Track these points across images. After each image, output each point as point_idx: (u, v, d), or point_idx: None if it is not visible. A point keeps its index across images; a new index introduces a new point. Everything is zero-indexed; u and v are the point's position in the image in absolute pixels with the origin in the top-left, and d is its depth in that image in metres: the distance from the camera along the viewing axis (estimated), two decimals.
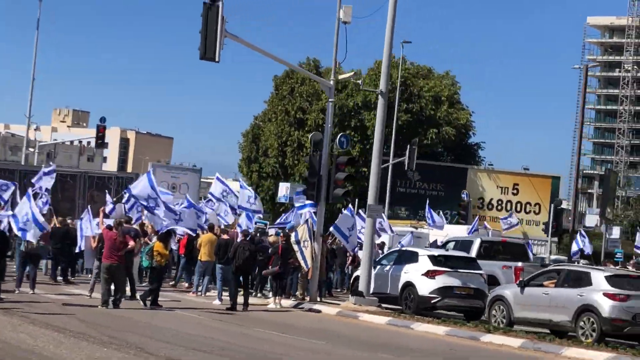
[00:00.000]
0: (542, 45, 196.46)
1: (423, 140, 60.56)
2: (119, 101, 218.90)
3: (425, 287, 23.02)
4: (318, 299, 23.54)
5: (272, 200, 60.73)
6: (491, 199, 60.75)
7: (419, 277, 23.22)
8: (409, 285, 23.41)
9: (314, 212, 25.41)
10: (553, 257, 42.80)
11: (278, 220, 33.26)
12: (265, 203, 58.65)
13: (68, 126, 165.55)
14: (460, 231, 35.02)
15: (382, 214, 32.07)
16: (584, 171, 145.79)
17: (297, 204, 26.99)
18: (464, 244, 27.60)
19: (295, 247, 23.12)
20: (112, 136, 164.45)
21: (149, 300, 19.57)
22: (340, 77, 26.51)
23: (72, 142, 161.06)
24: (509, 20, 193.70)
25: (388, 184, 53.45)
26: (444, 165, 61.68)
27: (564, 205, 67.43)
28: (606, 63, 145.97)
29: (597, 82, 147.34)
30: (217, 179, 30.56)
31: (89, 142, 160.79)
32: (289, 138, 61.93)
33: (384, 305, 23.80)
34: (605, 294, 19.01)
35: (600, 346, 17.46)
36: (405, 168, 50.86)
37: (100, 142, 49.38)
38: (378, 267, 25.02)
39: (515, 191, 60.63)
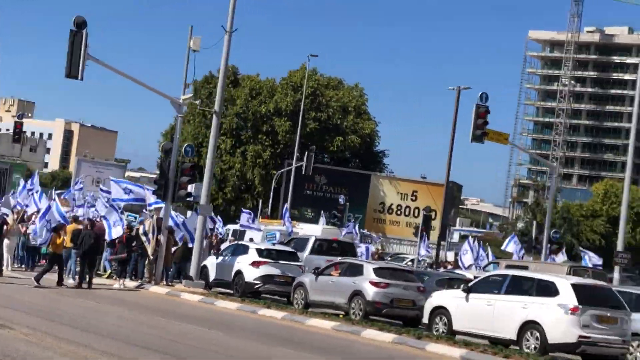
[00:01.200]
0: (485, 56, 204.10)
1: (329, 147, 65.96)
2: (66, 94, 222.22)
3: (251, 274, 28.06)
4: (163, 282, 28.39)
5: None
6: (391, 204, 66.21)
7: (247, 266, 28.25)
8: (239, 273, 28.44)
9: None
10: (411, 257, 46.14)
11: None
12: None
13: (13, 116, 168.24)
14: (314, 230, 39.90)
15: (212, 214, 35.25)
16: (520, 181, 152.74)
17: (149, 201, 31.55)
18: (302, 241, 32.76)
19: (143, 238, 28.03)
20: (57, 128, 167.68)
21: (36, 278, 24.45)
22: (183, 97, 31.23)
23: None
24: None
25: (290, 187, 58.52)
26: (348, 170, 67.01)
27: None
28: (545, 76, 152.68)
29: (536, 94, 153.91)
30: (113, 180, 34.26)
31: (32, 133, 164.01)
32: (205, 140, 66.69)
33: (221, 289, 28.73)
34: (371, 282, 24.23)
35: (454, 343, 19.11)
36: (303, 172, 55.88)
37: (18, 138, 53.57)
38: (220, 257, 30.01)
39: (414, 197, 66.11)
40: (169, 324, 19.04)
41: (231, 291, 28.37)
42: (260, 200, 62.30)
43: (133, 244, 27.66)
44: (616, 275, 32.29)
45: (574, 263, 32.57)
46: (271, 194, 59.77)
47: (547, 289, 19.66)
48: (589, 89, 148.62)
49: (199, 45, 29.57)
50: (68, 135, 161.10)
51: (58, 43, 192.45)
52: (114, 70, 28.47)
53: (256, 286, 27.99)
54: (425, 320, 21.81)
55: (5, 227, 27.17)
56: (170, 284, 28.68)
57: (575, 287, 19.41)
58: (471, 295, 20.87)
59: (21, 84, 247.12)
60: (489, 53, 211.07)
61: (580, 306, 18.90)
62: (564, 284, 19.58)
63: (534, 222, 46.46)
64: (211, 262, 30.04)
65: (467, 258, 36.66)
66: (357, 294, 24.39)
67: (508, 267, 29.28)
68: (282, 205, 57.76)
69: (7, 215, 29.82)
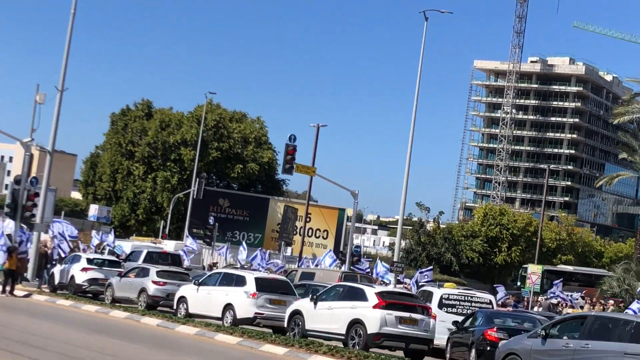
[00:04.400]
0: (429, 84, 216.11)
1: (231, 174, 75.30)
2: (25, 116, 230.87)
3: (80, 278, 37.04)
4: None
5: None
6: (295, 225, 75.27)
7: (78, 271, 37.24)
8: (72, 277, 37.44)
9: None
10: None
11: None
12: None
13: None
14: (171, 246, 49.23)
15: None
16: (466, 204, 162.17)
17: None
18: (138, 253, 41.92)
19: None
20: (18, 151, 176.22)
21: None
22: (25, 140, 40.23)
23: None
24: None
25: (189, 209, 67.60)
26: (250, 195, 76.21)
27: None
28: (490, 104, 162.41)
29: (482, 121, 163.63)
30: None
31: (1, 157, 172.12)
32: (120, 166, 76.07)
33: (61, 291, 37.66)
34: (153, 281, 33.22)
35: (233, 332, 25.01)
36: (194, 197, 64.85)
37: None
38: (64, 265, 38.99)
39: (308, 219, 75.22)
40: None
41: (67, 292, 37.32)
42: (168, 221, 71.36)
43: None
44: (393, 280, 41.30)
45: (346, 270, 41.40)
46: (167, 216, 68.77)
47: (240, 281, 28.72)
48: (531, 117, 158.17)
49: (44, 99, 38.82)
50: (28, 159, 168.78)
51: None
52: None
53: (83, 287, 36.94)
54: None
55: None
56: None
57: (256, 279, 28.48)
58: (200, 287, 29.90)
59: None
60: (436, 80, 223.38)
61: (257, 292, 27.92)
62: (250, 277, 28.67)
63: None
64: (57, 269, 38.97)
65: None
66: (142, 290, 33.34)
67: (303, 274, 38.66)
68: (187, 225, 67.06)
69: None
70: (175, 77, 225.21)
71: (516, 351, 17.24)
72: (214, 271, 34.76)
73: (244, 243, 56.64)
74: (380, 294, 24.38)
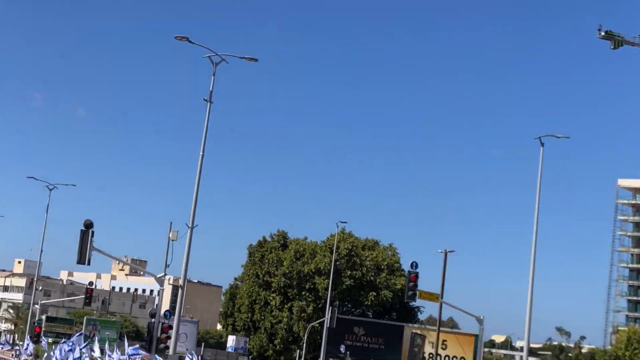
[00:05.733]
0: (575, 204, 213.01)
1: (365, 301, 76.50)
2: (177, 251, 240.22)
3: None
4: None
5: None
6: (424, 352, 75.32)
7: None
8: None
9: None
10: None
11: None
12: None
13: (126, 274, 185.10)
14: None
15: None
16: (619, 327, 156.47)
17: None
18: None
19: None
20: (168, 284, 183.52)
21: None
22: (158, 275, 42.75)
23: (128, 289, 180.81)
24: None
25: (324, 338, 68.85)
26: (384, 322, 76.89)
27: None
28: (637, 223, 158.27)
29: (630, 241, 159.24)
30: None
31: (143, 290, 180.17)
32: (257, 297, 78.56)
33: None
34: None
35: None
36: (327, 326, 66.19)
37: (88, 302, 66.48)
38: None
39: (444, 346, 75.07)
40: None
41: None
42: (304, 351, 72.78)
43: None
44: None
45: None
46: (303, 345, 70.12)
47: None
48: None
49: (177, 236, 41.56)
50: (176, 290, 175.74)
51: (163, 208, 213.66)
52: (111, 256, 40.69)
53: None
54: None
55: None
56: None
57: None
58: None
59: (135, 243, 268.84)
60: (580, 201, 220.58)
61: None
62: None
63: None
64: None
65: None
66: None
67: None
68: (322, 354, 68.33)
69: None
70: (308, 208, 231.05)
71: None
72: None
73: None
74: None
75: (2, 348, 46.11)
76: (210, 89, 39.84)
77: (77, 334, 51.25)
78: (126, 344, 44.78)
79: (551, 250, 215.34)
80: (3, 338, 48.06)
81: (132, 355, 41.56)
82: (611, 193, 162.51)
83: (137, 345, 43.09)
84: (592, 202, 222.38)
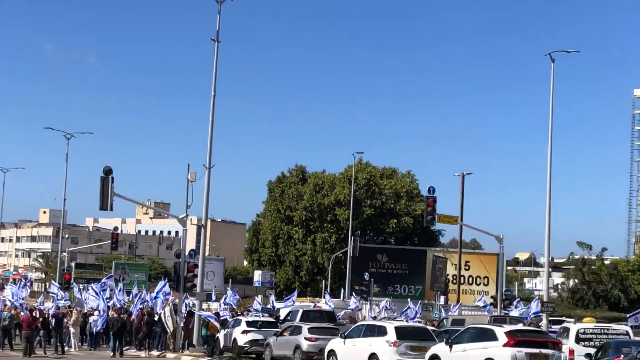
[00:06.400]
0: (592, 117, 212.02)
1: (386, 229, 77.27)
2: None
3: (241, 340, 39.71)
4: (180, 352, 40.34)
5: None
6: (447, 274, 76.24)
7: (239, 334, 39.92)
8: (234, 340, 40.17)
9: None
10: None
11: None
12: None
13: (150, 218, 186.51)
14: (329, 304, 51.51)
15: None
16: None
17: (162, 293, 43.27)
18: (294, 313, 44.32)
19: (163, 319, 40.27)
20: (191, 225, 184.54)
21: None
22: (180, 216, 43.41)
23: (154, 232, 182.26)
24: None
25: (348, 267, 69.85)
26: (406, 248, 77.81)
27: None
28: None
29: None
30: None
31: (169, 232, 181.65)
32: (280, 232, 79.56)
33: (227, 353, 40.42)
34: (305, 338, 35.38)
35: None
36: (350, 255, 67.11)
37: (114, 246, 67.67)
38: (226, 329, 41.84)
39: (467, 267, 75.98)
40: None
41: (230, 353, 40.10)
42: (329, 281, 73.93)
43: (153, 325, 40.04)
44: (544, 321, 41.86)
45: (496, 314, 42.25)
46: (328, 276, 71.23)
47: (382, 331, 30.50)
48: None
49: (195, 177, 42.13)
50: (199, 231, 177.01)
51: (182, 151, 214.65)
52: (133, 201, 41.35)
53: (245, 348, 39.59)
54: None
55: (65, 319, 40.07)
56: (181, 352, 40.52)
57: (396, 328, 30.17)
58: (346, 340, 31.86)
59: (156, 187, 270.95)
60: (596, 114, 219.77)
61: (398, 341, 29.61)
62: (390, 327, 30.39)
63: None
64: (220, 333, 41.80)
65: None
66: (297, 347, 35.55)
67: (454, 321, 40.09)
68: (348, 283, 69.31)
69: (76, 309, 42.76)
70: (325, 140, 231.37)
71: None
72: (357, 324, 36.61)
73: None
74: (509, 333, 25.56)
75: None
76: (217, 28, 40.06)
77: (108, 276, 52.18)
78: (161, 283, 44.96)
79: (569, 165, 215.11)
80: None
81: (167, 294, 42.35)
82: (627, 104, 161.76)
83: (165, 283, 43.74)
84: (608, 115, 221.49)
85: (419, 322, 42.84)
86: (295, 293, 54.74)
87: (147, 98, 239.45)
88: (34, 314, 40.68)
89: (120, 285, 52.64)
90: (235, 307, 50.43)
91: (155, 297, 43.11)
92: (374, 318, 47.69)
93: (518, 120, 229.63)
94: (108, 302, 43.74)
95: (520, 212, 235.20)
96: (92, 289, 44.84)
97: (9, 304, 42.43)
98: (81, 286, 51.13)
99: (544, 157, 41.23)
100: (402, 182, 79.00)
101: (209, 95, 41.40)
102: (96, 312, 43.41)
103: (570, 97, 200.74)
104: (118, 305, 43.80)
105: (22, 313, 39.15)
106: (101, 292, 45.65)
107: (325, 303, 53.17)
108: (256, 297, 53.21)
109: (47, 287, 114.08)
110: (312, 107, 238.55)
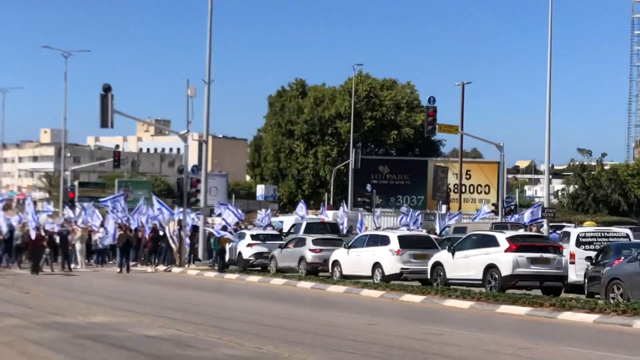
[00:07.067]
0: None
1: (387, 141, 77.26)
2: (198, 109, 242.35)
3: (247, 253, 40.11)
4: (186, 266, 40.76)
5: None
6: (449, 184, 76.53)
7: (244, 247, 40.31)
8: (239, 253, 40.57)
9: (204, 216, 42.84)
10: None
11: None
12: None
13: (151, 135, 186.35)
14: (330, 216, 51.78)
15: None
16: None
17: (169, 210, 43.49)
18: (298, 226, 44.70)
19: (168, 235, 40.65)
20: (192, 142, 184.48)
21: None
22: (181, 132, 43.39)
23: (155, 149, 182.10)
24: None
25: (350, 179, 70.08)
26: (408, 159, 77.94)
27: None
28: None
29: None
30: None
31: (170, 149, 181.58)
32: (282, 146, 79.62)
33: (232, 267, 40.89)
34: (310, 249, 35.74)
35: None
36: (352, 167, 67.22)
37: (117, 164, 67.63)
38: (232, 243, 42.21)
39: (468, 176, 76.17)
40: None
41: (235, 266, 40.55)
42: (332, 193, 74.29)
43: (158, 240, 40.43)
44: (545, 226, 42.15)
45: (496, 221, 42.57)
46: (330, 188, 71.51)
47: (385, 240, 30.81)
48: None
49: (195, 93, 42.02)
50: (200, 146, 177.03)
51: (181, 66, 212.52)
52: (133, 118, 41.33)
53: (251, 261, 40.01)
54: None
55: (70, 236, 40.39)
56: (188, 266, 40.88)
57: (399, 237, 30.47)
58: (350, 250, 32.15)
59: (156, 104, 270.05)
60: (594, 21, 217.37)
61: (401, 249, 29.92)
62: (393, 236, 30.68)
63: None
64: (226, 247, 42.18)
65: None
66: (302, 258, 35.84)
67: (455, 228, 40.42)
68: (350, 195, 69.57)
69: (81, 226, 43.08)
70: (324, 53, 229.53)
71: (618, 276, 18.46)
72: (360, 234, 36.94)
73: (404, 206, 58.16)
74: (511, 239, 25.83)
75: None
76: None
77: (120, 194, 51.89)
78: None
79: (569, 73, 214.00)
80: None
81: (172, 214, 42.34)
82: (626, 8, 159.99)
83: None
84: (607, 21, 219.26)
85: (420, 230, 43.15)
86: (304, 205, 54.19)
87: (144, 13, 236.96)
88: (40, 232, 40.99)
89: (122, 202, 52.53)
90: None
91: (159, 213, 43.20)
92: (378, 228, 48.01)
93: (517, 26, 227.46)
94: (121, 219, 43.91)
95: (521, 120, 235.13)
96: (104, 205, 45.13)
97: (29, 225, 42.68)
98: (84, 204, 51.25)
99: (544, 63, 40.97)
100: (402, 93, 78.70)
101: (206, 8, 41.02)
102: (101, 229, 43.81)
103: (570, 3, 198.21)
104: (125, 222, 44.04)
105: (32, 232, 39.38)
106: (111, 211, 45.79)
107: (322, 214, 53.26)
108: (259, 211, 53.39)
109: (53, 206, 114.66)
110: (311, 18, 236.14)
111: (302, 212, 50.32)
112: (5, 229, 40.44)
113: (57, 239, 39.73)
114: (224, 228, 40.38)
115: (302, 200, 55.84)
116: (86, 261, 42.14)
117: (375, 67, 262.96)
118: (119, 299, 24.61)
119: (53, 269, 38.44)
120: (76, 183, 77.00)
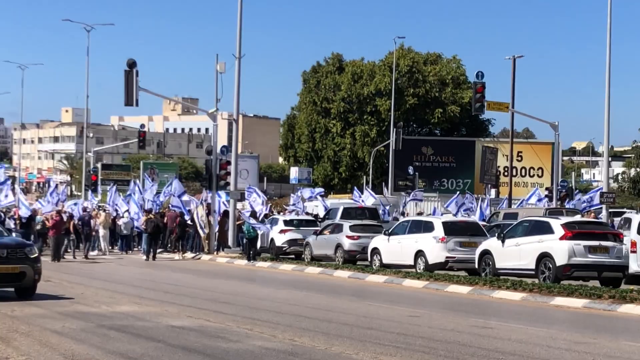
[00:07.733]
0: None
1: (431, 120, 76.91)
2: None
3: (279, 240, 40.18)
4: (215, 253, 40.94)
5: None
6: (498, 166, 76.10)
7: (277, 234, 40.39)
8: (272, 240, 40.67)
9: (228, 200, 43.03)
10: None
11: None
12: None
13: (178, 114, 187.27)
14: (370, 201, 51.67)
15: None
16: None
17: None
18: (335, 210, 44.65)
19: (196, 221, 40.80)
20: (222, 121, 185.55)
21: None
22: (210, 111, 43.44)
23: (183, 130, 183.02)
24: None
25: (391, 161, 69.90)
26: (453, 139, 77.56)
27: None
28: None
29: None
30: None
31: (198, 129, 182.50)
32: (317, 125, 79.58)
33: (264, 254, 41.01)
34: (347, 236, 35.70)
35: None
36: (393, 148, 67.00)
37: (142, 145, 67.87)
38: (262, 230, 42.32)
39: (519, 158, 75.67)
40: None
41: (267, 254, 40.65)
42: (371, 176, 74.17)
43: (186, 227, 40.61)
44: (604, 212, 41.81)
45: (551, 206, 42.25)
46: (369, 171, 71.40)
47: (428, 227, 30.69)
48: None
49: (224, 68, 42.01)
50: (230, 126, 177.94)
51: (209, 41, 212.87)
52: (160, 95, 41.40)
53: (284, 248, 40.09)
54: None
55: (92, 221, 40.68)
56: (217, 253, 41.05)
57: (444, 224, 30.33)
58: (390, 237, 32.07)
59: (183, 82, 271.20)
60: None
61: (446, 237, 29.79)
62: (438, 222, 30.55)
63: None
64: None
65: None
66: (339, 246, 35.85)
67: (505, 214, 40.24)
68: (391, 178, 69.44)
69: (105, 211, 43.47)
70: (362, 26, 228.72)
71: None
72: (402, 220, 36.82)
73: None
74: (566, 225, 25.54)
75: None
76: None
77: (174, 177, 52.39)
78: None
79: (630, 47, 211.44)
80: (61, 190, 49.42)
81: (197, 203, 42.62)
82: None
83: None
84: None
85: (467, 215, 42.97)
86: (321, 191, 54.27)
87: None
88: (62, 216, 41.39)
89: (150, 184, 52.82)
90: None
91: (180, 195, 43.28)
92: (420, 214, 47.89)
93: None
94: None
95: (577, 98, 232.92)
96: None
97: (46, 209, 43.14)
98: (108, 188, 51.69)
99: (602, 37, 40.40)
100: (447, 68, 78.16)
101: None
102: (126, 214, 44.12)
103: None
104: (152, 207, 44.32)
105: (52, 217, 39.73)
106: (134, 195, 46.10)
107: (354, 199, 53.03)
108: (292, 194, 53.41)
109: (75, 189, 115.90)
110: None
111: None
112: (25, 212, 40.92)
113: (79, 224, 40.07)
114: (253, 214, 40.51)
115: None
116: (110, 247, 42.47)
117: (418, 40, 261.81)
118: (144, 288, 24.78)
119: (75, 256, 38.78)
120: (99, 165, 77.59)
